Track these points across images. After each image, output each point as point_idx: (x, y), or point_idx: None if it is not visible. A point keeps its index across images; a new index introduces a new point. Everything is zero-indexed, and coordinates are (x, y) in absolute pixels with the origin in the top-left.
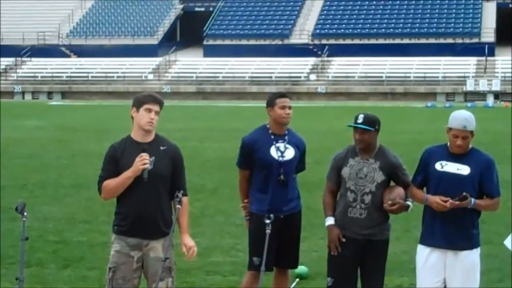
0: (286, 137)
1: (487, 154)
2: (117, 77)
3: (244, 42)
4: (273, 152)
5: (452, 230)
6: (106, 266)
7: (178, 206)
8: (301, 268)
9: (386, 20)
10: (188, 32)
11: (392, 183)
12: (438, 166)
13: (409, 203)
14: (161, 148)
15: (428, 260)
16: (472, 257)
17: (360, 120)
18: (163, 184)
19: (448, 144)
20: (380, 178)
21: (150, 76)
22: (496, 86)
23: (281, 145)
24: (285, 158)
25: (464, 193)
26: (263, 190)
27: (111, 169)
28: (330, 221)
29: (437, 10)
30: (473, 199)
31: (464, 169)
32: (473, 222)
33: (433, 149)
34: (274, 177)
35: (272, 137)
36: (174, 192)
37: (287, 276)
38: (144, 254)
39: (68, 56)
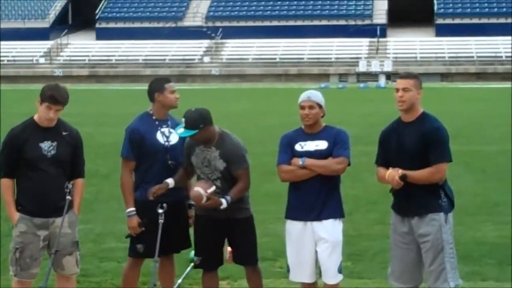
0: (169, 122)
1: (339, 128)
2: (8, 61)
3: (137, 24)
4: (159, 137)
5: (314, 201)
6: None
7: (68, 197)
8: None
9: (279, 2)
10: (80, 15)
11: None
12: (298, 147)
13: (223, 200)
14: (63, 133)
15: (297, 233)
16: (336, 227)
17: (181, 130)
18: (64, 168)
19: (302, 126)
20: (222, 166)
21: (42, 60)
22: (388, 67)
23: (165, 130)
24: (171, 143)
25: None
26: (150, 178)
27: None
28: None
29: None
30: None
31: (321, 144)
32: (333, 191)
33: (289, 134)
34: (162, 163)
35: (157, 123)
36: (74, 174)
37: (172, 261)
38: (51, 232)
39: None
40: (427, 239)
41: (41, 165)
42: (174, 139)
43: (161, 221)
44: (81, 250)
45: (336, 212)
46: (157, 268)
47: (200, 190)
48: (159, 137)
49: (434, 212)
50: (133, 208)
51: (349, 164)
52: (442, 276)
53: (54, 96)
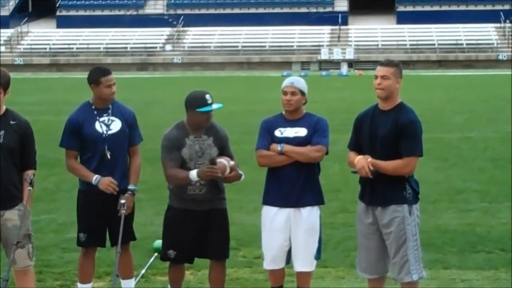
0: (109, 111)
1: (320, 116)
2: None
3: (98, 12)
4: (98, 127)
5: (291, 188)
6: None
7: (29, 188)
8: (159, 243)
9: None
10: (40, 3)
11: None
12: (277, 133)
13: (242, 172)
14: (11, 122)
15: (271, 219)
16: (312, 214)
17: (208, 101)
18: (13, 157)
19: (283, 111)
20: (215, 153)
21: (2, 48)
22: (350, 54)
23: (105, 118)
24: (110, 132)
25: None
26: (92, 167)
27: None
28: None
29: None
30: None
31: (300, 131)
32: (311, 178)
33: (269, 119)
34: (100, 153)
35: (95, 112)
36: (24, 165)
37: (128, 251)
38: (2, 224)
39: None
40: (389, 231)
41: None
42: (115, 127)
43: (123, 211)
44: (33, 243)
45: (313, 199)
46: (118, 259)
47: (224, 161)
48: (98, 126)
49: (397, 203)
50: (95, 175)
51: (327, 153)
52: (405, 268)
53: None
